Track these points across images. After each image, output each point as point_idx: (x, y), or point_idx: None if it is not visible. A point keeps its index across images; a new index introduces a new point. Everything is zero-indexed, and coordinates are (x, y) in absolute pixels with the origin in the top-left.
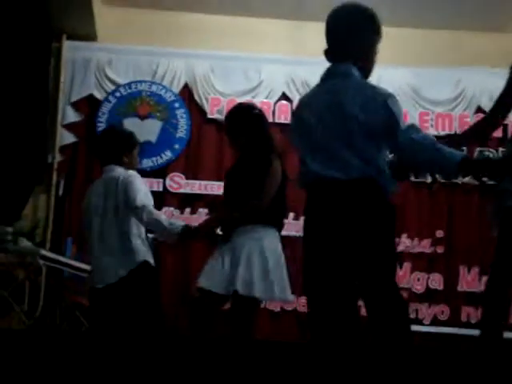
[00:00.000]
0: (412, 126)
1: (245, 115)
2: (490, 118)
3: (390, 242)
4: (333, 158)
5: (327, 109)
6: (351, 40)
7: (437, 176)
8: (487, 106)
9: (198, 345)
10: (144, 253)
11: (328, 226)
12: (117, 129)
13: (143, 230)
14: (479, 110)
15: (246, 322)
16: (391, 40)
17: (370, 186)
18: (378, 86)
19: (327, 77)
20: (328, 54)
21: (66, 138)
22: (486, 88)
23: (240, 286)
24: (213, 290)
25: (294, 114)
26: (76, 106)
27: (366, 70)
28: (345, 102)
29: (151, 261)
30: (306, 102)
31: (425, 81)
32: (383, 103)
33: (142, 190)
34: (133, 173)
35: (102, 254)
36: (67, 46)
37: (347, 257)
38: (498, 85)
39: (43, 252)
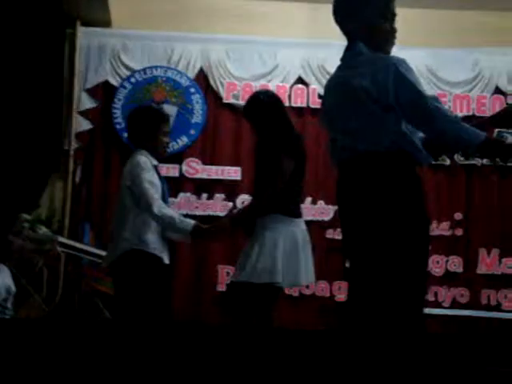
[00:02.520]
0: (437, 98)
1: (257, 101)
2: None
3: (409, 221)
4: (352, 132)
5: (339, 87)
6: (355, 19)
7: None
8: (505, 86)
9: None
10: (136, 242)
11: (350, 200)
12: (138, 110)
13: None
14: (497, 90)
15: (262, 310)
16: (408, 21)
17: (397, 157)
18: (391, 55)
19: (343, 58)
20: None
21: (82, 124)
22: (504, 69)
23: (248, 274)
24: (240, 280)
25: (322, 98)
26: (91, 92)
27: (380, 47)
28: (353, 77)
29: (149, 250)
30: (327, 85)
31: (442, 62)
32: (395, 71)
33: (147, 180)
34: (139, 162)
35: (112, 239)
36: (82, 32)
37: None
38: None
39: (61, 239)
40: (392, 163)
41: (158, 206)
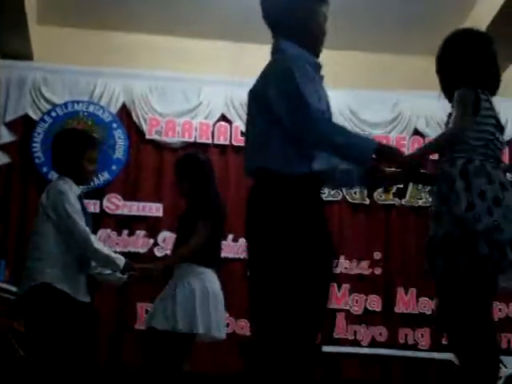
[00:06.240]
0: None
1: (190, 163)
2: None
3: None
4: (247, 146)
5: (250, 90)
6: (284, 16)
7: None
8: (423, 128)
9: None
10: (48, 275)
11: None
12: (64, 132)
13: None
14: (416, 132)
15: (159, 355)
16: (331, 62)
17: (263, 178)
18: (288, 59)
19: (271, 54)
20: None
21: None
22: (423, 111)
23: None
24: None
25: None
26: (10, 126)
27: (310, 47)
28: (256, 82)
29: (59, 286)
30: None
31: (363, 103)
32: (286, 75)
33: (75, 212)
34: (61, 190)
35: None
36: (1, 64)
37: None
38: (433, 107)
39: None
40: (258, 185)
41: (94, 241)
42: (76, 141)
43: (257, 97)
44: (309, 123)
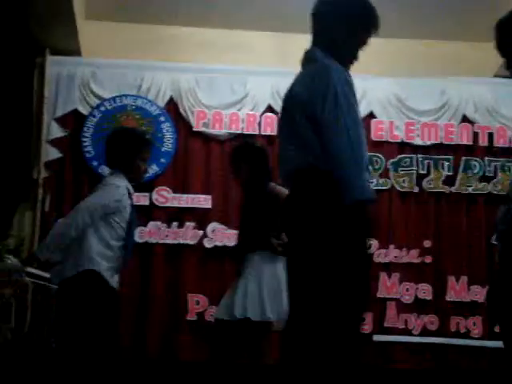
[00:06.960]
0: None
1: (249, 148)
2: None
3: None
4: (283, 149)
5: (285, 96)
6: (326, 25)
7: None
8: (472, 115)
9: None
10: (94, 262)
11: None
12: (121, 131)
13: (111, 241)
14: (464, 119)
15: (250, 346)
16: (377, 50)
17: (308, 176)
18: (332, 79)
19: (302, 63)
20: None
21: (51, 153)
22: (471, 97)
23: (237, 310)
24: (219, 317)
25: None
26: (61, 121)
27: (345, 63)
28: (294, 87)
29: (105, 277)
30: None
31: (410, 91)
32: (331, 99)
33: (95, 201)
34: (114, 189)
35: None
36: (51, 60)
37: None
38: (482, 93)
39: (29, 268)
40: (299, 183)
41: (71, 230)
42: (133, 140)
43: (301, 104)
44: (336, 161)
